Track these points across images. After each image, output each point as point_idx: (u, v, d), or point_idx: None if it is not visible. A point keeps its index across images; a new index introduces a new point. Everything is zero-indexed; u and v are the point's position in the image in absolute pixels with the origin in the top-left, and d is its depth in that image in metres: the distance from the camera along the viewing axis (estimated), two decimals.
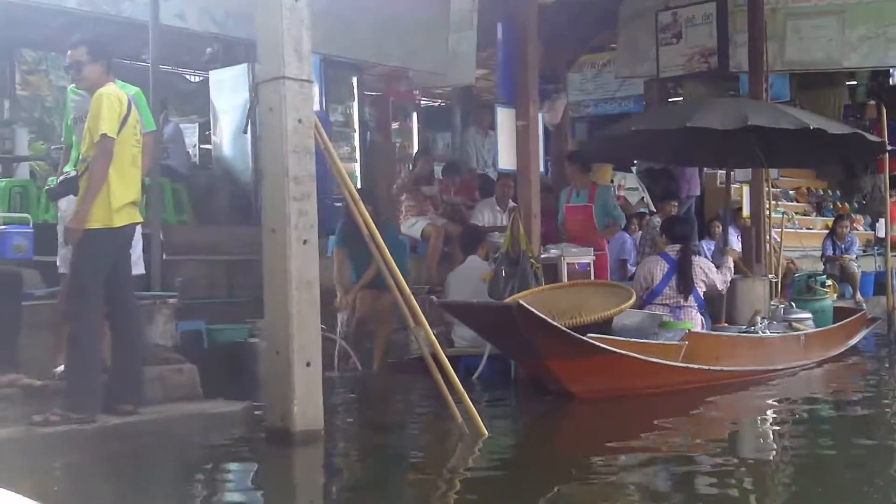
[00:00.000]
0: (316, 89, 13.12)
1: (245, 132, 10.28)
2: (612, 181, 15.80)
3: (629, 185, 16.57)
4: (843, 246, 16.14)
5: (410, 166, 12.96)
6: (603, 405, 8.28)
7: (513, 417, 8.43)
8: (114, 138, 6.57)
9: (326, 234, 10.82)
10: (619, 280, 11.30)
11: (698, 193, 16.80)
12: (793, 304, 11.59)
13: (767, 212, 13.26)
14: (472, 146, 14.63)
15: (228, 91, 12.76)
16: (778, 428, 7.80)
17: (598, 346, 8.20)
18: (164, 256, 9.28)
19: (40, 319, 7.23)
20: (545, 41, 13.31)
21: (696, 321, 9.63)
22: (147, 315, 7.76)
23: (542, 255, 10.09)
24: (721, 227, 13.83)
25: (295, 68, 6.58)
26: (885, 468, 6.12)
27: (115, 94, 6.69)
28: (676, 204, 14.92)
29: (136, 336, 6.96)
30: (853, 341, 11.91)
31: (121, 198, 6.63)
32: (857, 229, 18.96)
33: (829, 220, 18.18)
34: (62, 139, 7.53)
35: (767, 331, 10.20)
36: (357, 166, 14.07)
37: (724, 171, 12.95)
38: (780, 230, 14.12)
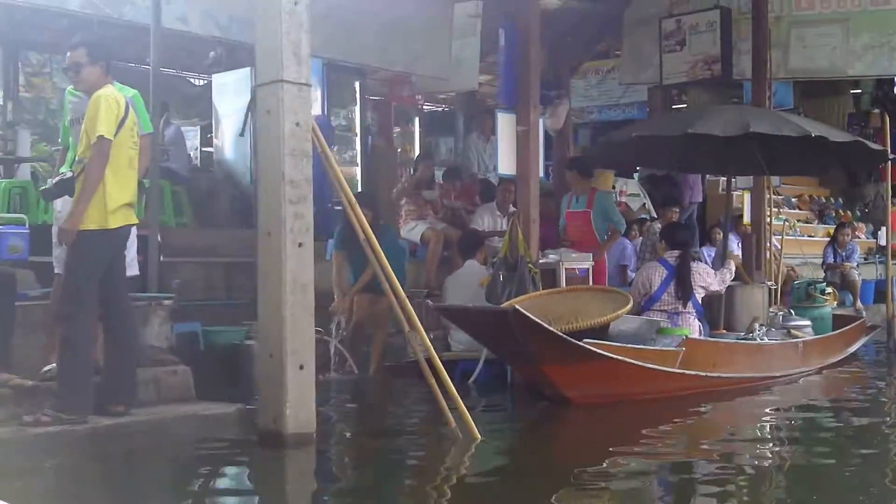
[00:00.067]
0: (318, 93, 13.16)
1: (242, 135, 10.29)
2: (613, 187, 15.81)
3: (631, 192, 16.53)
4: (844, 254, 16.11)
5: (411, 171, 12.94)
6: (599, 411, 8.27)
7: (507, 422, 8.42)
8: (111, 140, 6.59)
9: (326, 237, 10.85)
10: (619, 286, 11.27)
11: (700, 200, 16.78)
12: (792, 311, 11.58)
13: (768, 219, 13.22)
14: (474, 151, 14.63)
15: (231, 94, 12.79)
16: (774, 435, 7.78)
17: (594, 352, 8.18)
18: (162, 258, 9.28)
19: (33, 320, 7.24)
20: (548, 47, 13.36)
21: (693, 328, 9.62)
22: (142, 316, 7.76)
23: (541, 261, 10.09)
24: (722, 234, 13.80)
25: (293, 72, 6.58)
26: (881, 477, 6.08)
27: (112, 96, 6.71)
28: (678, 210, 14.90)
29: (129, 337, 6.96)
30: (852, 349, 11.90)
31: (116, 199, 6.64)
32: (859, 237, 18.93)
33: (831, 228, 18.15)
34: (59, 140, 7.54)
35: (765, 338, 10.18)
36: (358, 170, 14.09)
37: (726, 178, 12.92)
38: (780, 237, 14.09)
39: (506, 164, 10.36)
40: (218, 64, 14.20)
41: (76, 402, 6.44)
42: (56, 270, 7.14)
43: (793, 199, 20.40)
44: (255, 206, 10.87)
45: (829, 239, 17.09)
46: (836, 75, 14.59)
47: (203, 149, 15.71)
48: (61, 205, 6.99)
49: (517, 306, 8.12)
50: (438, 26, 12.38)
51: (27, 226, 8.29)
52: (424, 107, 18.72)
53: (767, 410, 8.83)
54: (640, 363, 8.46)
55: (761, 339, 10.08)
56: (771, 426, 8.19)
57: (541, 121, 11.04)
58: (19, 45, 13.80)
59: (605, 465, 6.42)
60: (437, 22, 12.39)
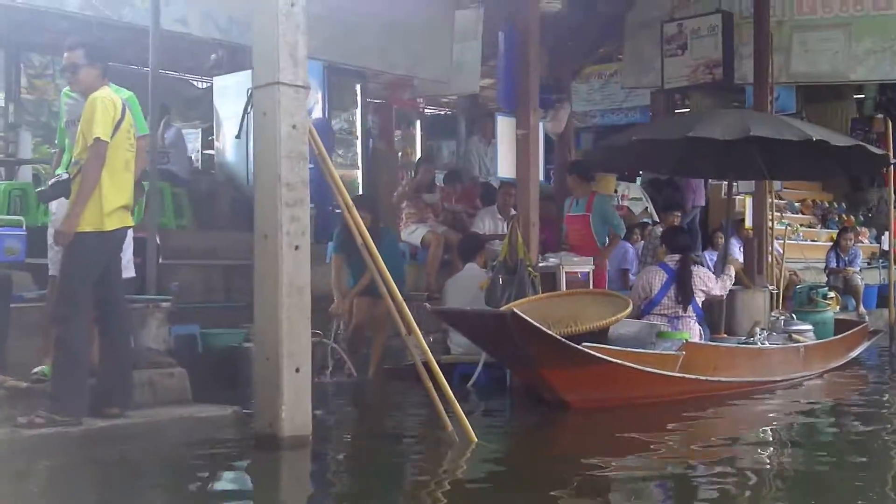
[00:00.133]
0: (319, 96, 13.16)
1: (238, 137, 10.27)
2: (615, 191, 15.80)
3: (633, 196, 16.53)
4: (846, 258, 16.11)
5: (412, 174, 12.93)
6: (598, 415, 8.22)
7: (506, 426, 8.38)
8: (107, 142, 6.57)
9: (327, 240, 10.83)
10: (621, 290, 11.25)
11: (703, 204, 16.76)
12: (793, 315, 11.53)
13: (770, 223, 13.19)
14: (475, 154, 14.63)
15: (232, 97, 12.78)
16: (774, 440, 7.72)
17: (593, 356, 8.15)
18: (162, 260, 9.26)
19: (29, 321, 7.24)
20: (550, 51, 13.33)
21: (694, 332, 9.59)
22: (140, 319, 7.74)
23: (541, 264, 10.06)
24: (724, 238, 13.79)
25: (290, 74, 6.56)
26: (881, 484, 6.04)
27: (109, 98, 6.69)
28: (679, 214, 14.89)
29: (125, 339, 6.95)
30: (854, 354, 11.85)
31: (112, 202, 6.63)
32: (862, 242, 18.94)
33: (834, 233, 18.15)
34: (56, 142, 7.52)
35: (767, 342, 10.13)
36: (359, 173, 14.09)
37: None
38: (782, 242, 14.06)
39: (505, 167, 10.31)
40: (219, 66, 14.21)
41: (70, 404, 6.42)
42: (51, 272, 7.13)
43: (796, 204, 20.41)
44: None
45: (831, 243, 17.06)
46: (838, 80, 14.58)
47: (204, 151, 15.69)
48: (56, 206, 6.97)
49: (515, 309, 8.08)
50: (439, 29, 12.37)
51: (24, 228, 8.27)
52: (426, 110, 18.71)
53: (768, 415, 8.79)
54: (639, 367, 8.41)
55: (762, 344, 10.03)
56: (771, 431, 8.14)
57: (541, 124, 11.00)
58: (21, 47, 13.79)
59: (603, 469, 6.39)
60: (439, 25, 12.38)
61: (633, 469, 6.45)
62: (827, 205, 21.22)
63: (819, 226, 20.29)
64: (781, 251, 13.94)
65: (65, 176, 6.71)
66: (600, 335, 8.54)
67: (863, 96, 20.83)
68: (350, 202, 7.19)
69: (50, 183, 6.82)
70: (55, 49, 13.22)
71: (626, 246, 13.36)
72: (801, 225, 19.53)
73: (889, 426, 8.46)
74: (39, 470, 5.97)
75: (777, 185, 15.73)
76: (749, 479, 6.20)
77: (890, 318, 13.33)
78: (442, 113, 19.74)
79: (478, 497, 5.75)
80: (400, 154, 16.16)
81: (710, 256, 14.56)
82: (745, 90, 16.21)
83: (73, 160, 6.72)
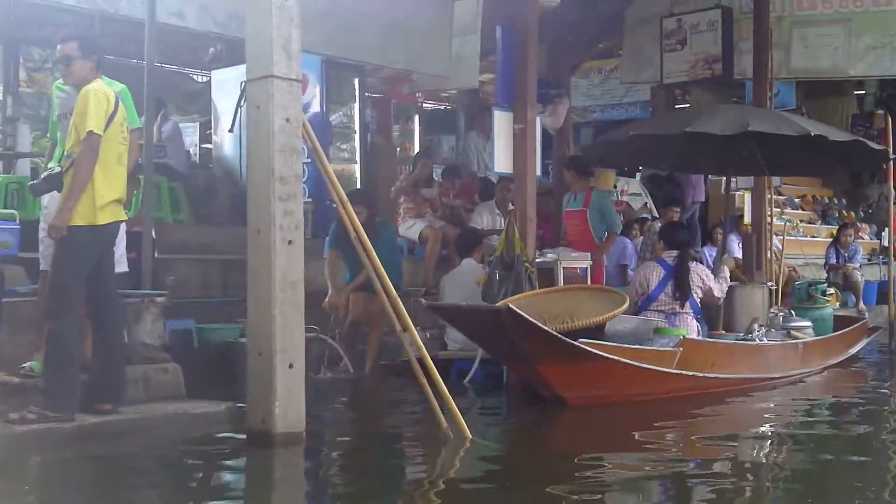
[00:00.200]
0: (317, 90, 13.12)
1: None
2: (615, 186, 15.76)
3: (632, 191, 16.49)
4: (846, 254, 16.07)
5: (410, 169, 12.89)
6: (595, 412, 8.19)
7: (502, 423, 8.36)
8: (100, 135, 6.52)
9: (324, 234, 10.78)
10: (620, 286, 11.20)
11: (703, 200, 16.74)
12: (792, 312, 11.50)
13: (769, 219, 13.15)
14: (474, 149, 14.60)
15: (231, 91, 12.69)
16: (771, 437, 7.69)
17: (590, 352, 8.10)
18: (158, 255, 9.23)
19: (22, 316, 7.21)
20: (549, 46, 13.28)
21: (691, 328, 9.53)
22: (135, 314, 7.71)
23: (539, 259, 10.02)
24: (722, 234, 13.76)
25: (283, 67, 6.52)
26: (878, 483, 6.01)
27: (102, 91, 6.65)
28: (679, 210, 14.88)
29: (118, 335, 6.92)
30: (853, 350, 11.82)
31: (105, 195, 6.58)
32: (863, 238, 18.90)
33: (834, 229, 18.09)
34: (48, 135, 7.48)
35: (765, 338, 10.09)
36: (357, 168, 14.05)
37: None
38: (781, 238, 14.02)
39: (502, 162, 10.26)
40: (217, 60, 14.17)
41: (62, 400, 6.38)
42: (42, 267, 7.09)
43: (796, 200, 20.36)
44: None
45: (831, 240, 17.03)
46: (838, 76, 14.53)
47: (203, 145, 15.64)
48: (48, 200, 6.93)
49: (511, 305, 8.04)
50: (439, 24, 12.32)
51: (18, 221, 8.22)
52: (425, 105, 18.67)
53: (766, 412, 8.77)
54: (636, 363, 8.37)
55: (760, 340, 10.00)
56: (769, 428, 8.11)
57: (538, 119, 10.95)
58: (20, 41, 13.72)
59: (600, 467, 6.36)
60: (438, 19, 12.33)
61: (630, 467, 6.43)
62: (827, 201, 21.18)
63: (819, 222, 20.25)
64: (781, 247, 13.90)
65: (57, 169, 6.67)
66: (597, 331, 8.49)
67: (863, 92, 20.78)
68: (344, 197, 7.14)
69: (42, 176, 6.79)
70: (54, 43, 13.22)
71: (625, 242, 13.32)
72: (802, 221, 19.49)
73: (888, 424, 8.43)
74: (31, 466, 5.95)
75: (776, 181, 15.74)
76: (746, 477, 6.18)
77: (890, 314, 13.28)
78: (442, 108, 19.70)
79: (470, 495, 5.71)
80: (398, 149, 16.11)
81: (710, 252, 14.56)
82: (745, 86, 16.13)
83: (65, 153, 6.67)
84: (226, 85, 12.97)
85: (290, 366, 6.37)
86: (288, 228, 6.44)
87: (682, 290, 9.56)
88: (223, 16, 10.12)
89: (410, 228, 12.04)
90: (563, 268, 10.13)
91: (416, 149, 16.53)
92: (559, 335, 8.04)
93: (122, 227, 7.08)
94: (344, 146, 14.05)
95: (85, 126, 6.48)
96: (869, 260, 18.18)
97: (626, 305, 8.73)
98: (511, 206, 11.28)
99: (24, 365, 6.87)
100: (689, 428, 7.91)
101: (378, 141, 15.26)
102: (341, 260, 10.00)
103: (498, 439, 7.51)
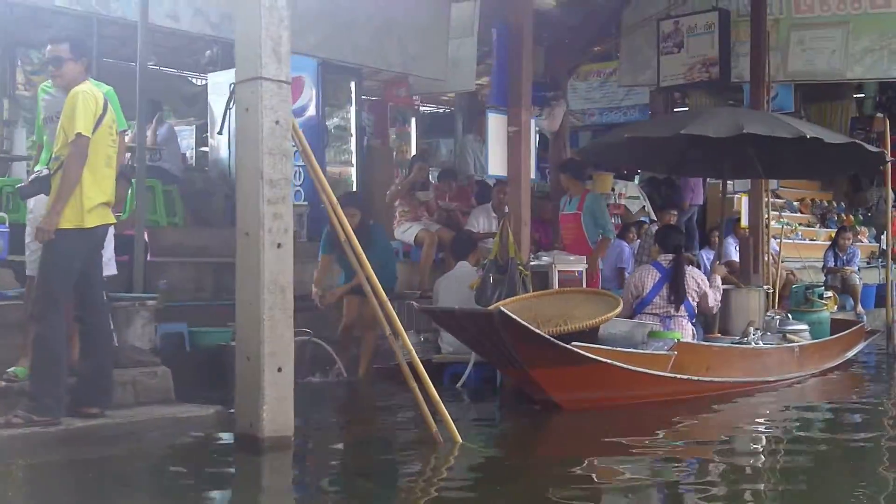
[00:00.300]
0: (313, 93, 13.10)
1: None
2: (613, 189, 15.73)
3: (630, 194, 16.44)
4: (844, 258, 16.05)
5: (406, 172, 12.86)
6: (589, 416, 8.14)
7: (494, 427, 8.29)
8: (89, 137, 6.48)
9: (319, 237, 10.75)
10: (617, 289, 11.17)
11: (701, 203, 16.71)
12: (789, 315, 11.45)
13: (766, 222, 13.12)
14: (471, 152, 14.56)
15: (226, 94, 12.69)
16: (765, 442, 7.64)
17: (583, 355, 8.06)
18: (151, 258, 9.21)
19: (10, 320, 7.18)
20: (546, 48, 13.26)
21: (686, 331, 9.48)
22: (125, 317, 7.71)
23: (534, 263, 9.98)
24: (719, 238, 13.75)
25: (273, 69, 6.47)
26: (875, 489, 5.97)
27: (91, 93, 6.61)
28: (676, 214, 14.85)
29: (105, 338, 6.88)
30: (850, 354, 11.77)
31: (93, 198, 6.54)
32: (862, 241, 18.88)
33: (833, 232, 18.07)
34: (34, 138, 7.43)
35: (761, 342, 10.05)
36: (353, 171, 14.02)
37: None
38: (779, 241, 13.98)
39: (496, 165, 10.17)
40: (214, 63, 14.14)
41: (48, 404, 6.35)
42: (28, 272, 7.03)
43: (795, 203, 20.33)
44: None
45: (830, 243, 17.00)
46: (836, 78, 14.46)
47: (200, 148, 15.64)
48: (33, 204, 6.87)
49: (503, 308, 7.99)
50: (435, 26, 12.26)
51: (7, 224, 8.19)
52: (424, 108, 18.65)
53: (761, 416, 8.70)
54: (630, 367, 8.32)
55: (756, 344, 9.96)
56: (763, 432, 8.06)
57: (533, 121, 10.90)
58: (17, 44, 13.72)
59: (592, 472, 6.31)
60: (434, 22, 12.27)
61: (623, 471, 6.37)
62: (826, 204, 21.14)
63: (818, 225, 20.21)
64: (778, 250, 13.86)
65: (45, 172, 6.62)
66: (591, 335, 8.45)
67: (863, 95, 20.75)
68: (334, 200, 7.08)
69: (30, 179, 6.74)
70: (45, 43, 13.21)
71: (622, 245, 13.30)
72: (800, 224, 19.45)
73: (884, 428, 8.36)
74: (16, 471, 5.90)
75: (774, 183, 15.69)
76: (741, 482, 6.13)
77: (888, 317, 13.24)
78: (440, 111, 19.68)
79: (459, 500, 5.67)
80: (395, 152, 16.08)
81: (707, 255, 14.53)
82: (743, 89, 16.09)
83: (53, 156, 6.62)
84: (222, 88, 12.95)
85: (279, 370, 6.32)
86: (277, 231, 6.39)
87: (677, 293, 9.50)
88: (217, 18, 10.05)
89: (406, 232, 12.00)
90: (560, 271, 10.09)
91: (413, 152, 16.50)
92: (552, 338, 7.99)
93: (111, 230, 7.03)
94: (340, 149, 14.00)
95: (73, 128, 6.43)
96: (868, 263, 18.15)
97: (619, 308, 8.69)
98: (507, 210, 11.26)
99: (8, 370, 6.82)
100: (683, 432, 7.86)
101: (374, 144, 15.24)
102: (336, 263, 9.97)
103: (490, 444, 7.44)
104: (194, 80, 16.64)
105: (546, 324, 8.34)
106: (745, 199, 14.72)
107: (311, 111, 13.15)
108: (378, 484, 6.08)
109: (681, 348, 8.78)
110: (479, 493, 5.84)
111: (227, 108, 10.27)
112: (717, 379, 9.12)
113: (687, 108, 19.09)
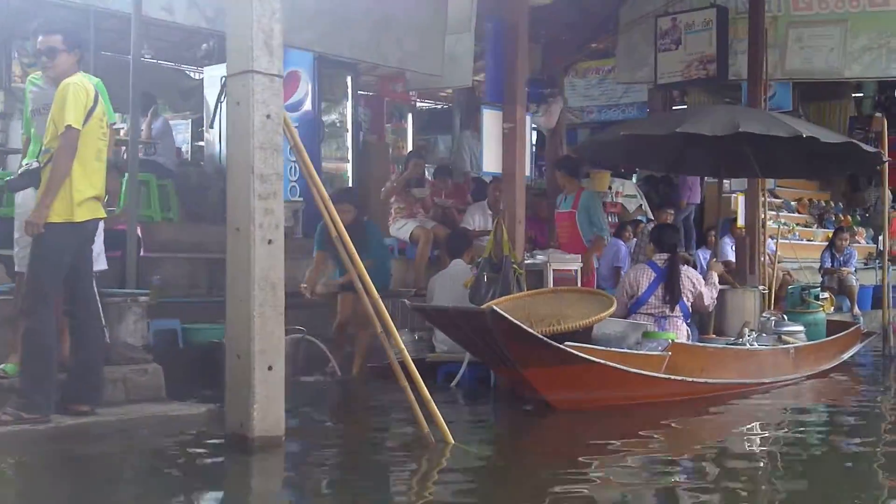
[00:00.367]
0: (308, 88, 13.04)
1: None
2: (610, 188, 15.68)
3: (627, 193, 16.40)
4: (841, 258, 16.01)
5: (402, 168, 12.80)
6: (582, 416, 8.08)
7: (487, 427, 8.25)
8: (79, 130, 6.41)
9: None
10: (613, 288, 11.11)
11: (698, 202, 16.66)
12: (785, 316, 11.39)
13: (762, 222, 13.07)
14: (467, 149, 14.49)
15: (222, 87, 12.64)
16: (760, 444, 7.61)
17: (576, 355, 7.99)
18: (143, 253, 9.13)
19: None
20: (543, 45, 13.20)
21: (681, 332, 9.42)
22: (117, 313, 7.63)
23: (528, 261, 9.91)
24: (715, 238, 13.70)
25: (265, 62, 6.38)
26: (871, 491, 5.95)
27: (81, 84, 6.53)
28: (672, 212, 14.80)
29: (96, 334, 6.81)
30: (846, 355, 11.71)
31: (83, 192, 6.47)
32: (859, 242, 18.84)
33: (831, 233, 18.02)
34: (22, 131, 7.34)
35: (756, 343, 10.00)
36: (349, 166, 13.97)
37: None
38: (775, 240, 13.93)
39: (490, 161, 10.08)
40: (210, 56, 14.06)
41: (38, 401, 6.29)
42: (17, 268, 6.96)
43: (792, 203, 20.30)
44: None
45: (827, 243, 16.96)
46: (834, 77, 14.42)
47: (196, 143, 15.56)
48: (21, 198, 6.79)
49: (496, 307, 7.93)
50: (432, 22, 12.19)
51: None
52: (421, 103, 18.59)
53: (755, 418, 8.64)
54: (623, 367, 8.25)
55: (751, 345, 9.90)
56: (758, 434, 8.01)
57: (529, 118, 10.83)
58: (13, 35, 13.63)
59: (584, 472, 6.26)
60: (431, 18, 12.21)
61: (616, 472, 6.32)
62: (824, 204, 21.12)
63: (816, 225, 20.19)
64: (775, 250, 13.81)
65: (35, 164, 6.53)
66: (585, 334, 8.38)
67: (861, 95, 20.71)
68: (325, 196, 7.00)
69: (19, 172, 6.65)
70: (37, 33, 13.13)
71: (618, 244, 13.24)
72: (798, 224, 19.42)
73: (879, 430, 8.32)
74: (4, 468, 5.84)
75: (771, 183, 15.65)
76: (735, 484, 6.08)
77: (884, 319, 13.19)
78: (437, 106, 19.63)
79: (448, 500, 5.61)
80: (391, 148, 16.02)
81: (704, 255, 14.47)
82: (741, 87, 16.05)
83: (43, 148, 6.53)
84: (217, 81, 12.87)
85: (270, 368, 6.24)
86: (268, 227, 6.31)
87: (672, 293, 9.44)
88: (211, 10, 10.00)
89: (401, 229, 11.95)
90: (555, 270, 10.03)
91: (410, 148, 16.46)
92: (545, 338, 7.93)
93: (101, 224, 6.95)
94: (336, 145, 13.95)
95: (63, 120, 6.36)
96: (865, 264, 18.11)
97: (613, 308, 8.61)
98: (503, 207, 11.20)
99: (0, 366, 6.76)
100: (677, 433, 7.81)
101: (371, 140, 15.19)
102: (331, 260, 9.91)
103: (483, 444, 7.37)
104: (191, 74, 16.57)
105: (539, 323, 8.28)
106: (741, 199, 14.68)
107: (307, 106, 13.10)
108: (366, 485, 5.99)
109: (675, 349, 8.72)
110: (470, 495, 5.78)
111: (219, 101, 10.18)
112: (711, 380, 9.06)
113: (685, 106, 19.05)
